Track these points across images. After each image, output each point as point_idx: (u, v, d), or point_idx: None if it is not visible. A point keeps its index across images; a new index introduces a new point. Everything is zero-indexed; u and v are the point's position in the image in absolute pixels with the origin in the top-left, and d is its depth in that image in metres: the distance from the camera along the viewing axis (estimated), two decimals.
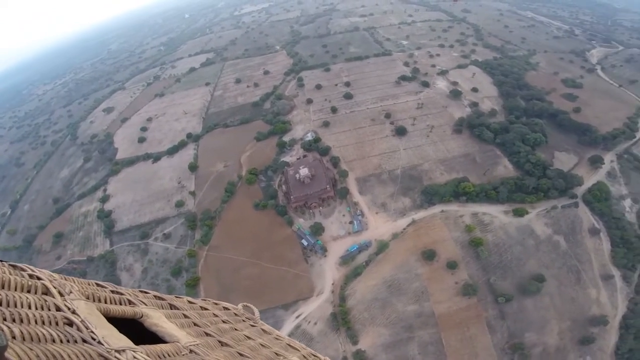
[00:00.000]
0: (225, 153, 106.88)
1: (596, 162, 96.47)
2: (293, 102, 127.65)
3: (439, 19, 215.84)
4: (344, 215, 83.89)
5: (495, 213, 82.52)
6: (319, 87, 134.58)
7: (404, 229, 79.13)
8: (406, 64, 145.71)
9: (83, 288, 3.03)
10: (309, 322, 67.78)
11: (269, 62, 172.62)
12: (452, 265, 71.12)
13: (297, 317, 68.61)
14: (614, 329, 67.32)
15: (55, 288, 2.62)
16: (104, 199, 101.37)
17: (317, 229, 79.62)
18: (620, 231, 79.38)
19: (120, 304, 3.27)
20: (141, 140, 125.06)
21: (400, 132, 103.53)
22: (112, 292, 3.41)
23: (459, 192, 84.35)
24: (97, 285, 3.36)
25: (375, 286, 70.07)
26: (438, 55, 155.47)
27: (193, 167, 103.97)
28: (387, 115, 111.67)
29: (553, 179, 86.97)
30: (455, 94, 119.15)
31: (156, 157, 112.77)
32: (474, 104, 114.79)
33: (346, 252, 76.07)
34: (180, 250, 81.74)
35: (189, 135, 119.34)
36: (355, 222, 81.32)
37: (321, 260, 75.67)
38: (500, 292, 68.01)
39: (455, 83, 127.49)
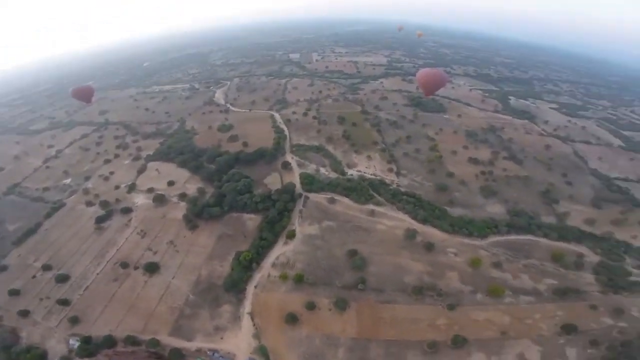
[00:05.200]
0: None
1: (287, 166, 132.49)
2: None
3: (84, 134, 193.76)
4: None
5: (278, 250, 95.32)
6: None
7: (253, 324, 76.43)
8: (90, 204, 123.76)
9: None
10: None
11: None
12: (310, 306, 77.17)
13: None
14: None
15: None
16: None
17: None
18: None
19: None
20: None
21: (152, 269, 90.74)
22: None
23: (246, 266, 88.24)
24: None
25: None
26: (112, 173, 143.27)
27: None
28: (124, 265, 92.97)
29: (280, 199, 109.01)
30: (161, 199, 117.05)
31: None
32: (183, 195, 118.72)
33: None
34: None
35: None
36: None
37: None
38: (352, 284, 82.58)
39: (150, 189, 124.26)
